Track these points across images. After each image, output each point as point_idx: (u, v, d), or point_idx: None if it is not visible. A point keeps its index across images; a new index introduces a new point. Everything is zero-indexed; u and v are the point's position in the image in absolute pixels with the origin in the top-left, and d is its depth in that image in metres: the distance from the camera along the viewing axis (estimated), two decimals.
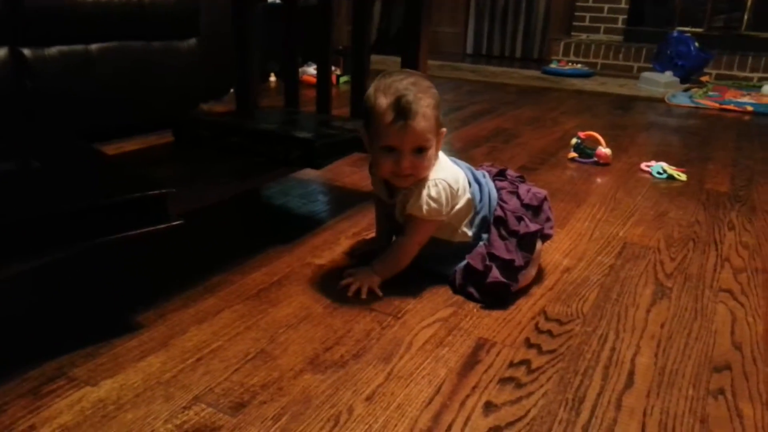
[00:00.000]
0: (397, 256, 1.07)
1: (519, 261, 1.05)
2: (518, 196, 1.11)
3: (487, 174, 1.15)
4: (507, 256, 1.04)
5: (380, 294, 1.03)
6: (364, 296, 1.03)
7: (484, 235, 1.09)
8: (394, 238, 1.13)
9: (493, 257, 1.05)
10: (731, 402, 0.81)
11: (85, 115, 1.75)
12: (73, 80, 1.68)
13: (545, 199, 1.14)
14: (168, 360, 0.85)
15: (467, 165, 1.14)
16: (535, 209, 1.12)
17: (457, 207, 1.06)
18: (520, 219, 1.08)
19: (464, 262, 1.07)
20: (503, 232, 1.07)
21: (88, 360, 0.84)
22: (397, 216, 1.10)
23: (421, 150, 0.99)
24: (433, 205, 1.02)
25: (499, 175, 1.17)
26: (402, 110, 0.96)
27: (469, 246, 1.09)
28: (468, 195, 1.07)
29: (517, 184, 1.15)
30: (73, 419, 0.72)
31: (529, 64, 4.31)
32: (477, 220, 1.09)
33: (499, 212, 1.09)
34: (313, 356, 0.87)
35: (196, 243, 1.23)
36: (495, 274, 1.03)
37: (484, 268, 1.04)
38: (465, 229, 1.09)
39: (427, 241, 1.08)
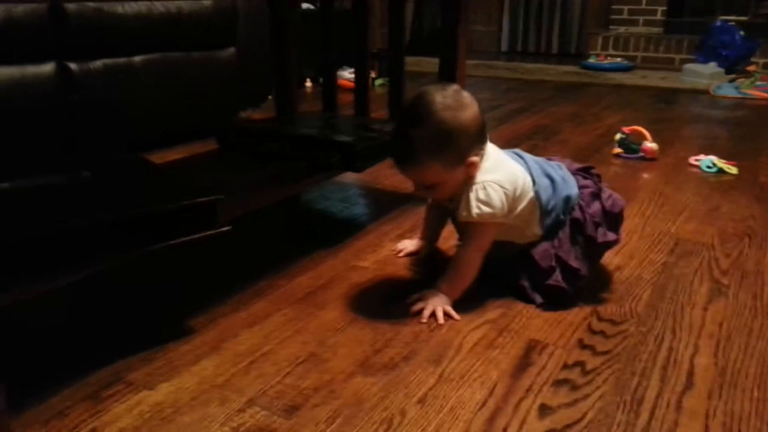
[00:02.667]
0: (462, 270, 1.01)
1: (584, 271, 1.01)
2: (601, 202, 1.04)
3: (564, 167, 1.08)
4: (575, 264, 1.00)
5: (457, 317, 0.97)
6: (441, 321, 0.96)
7: (560, 233, 1.03)
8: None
9: (559, 260, 1.01)
10: None
11: (130, 126, 1.79)
12: (118, 92, 1.73)
13: (624, 207, 1.07)
14: (221, 363, 0.86)
15: (536, 158, 1.08)
16: (614, 217, 1.05)
17: (519, 208, 1.01)
18: (597, 225, 1.02)
19: (527, 258, 1.03)
20: (577, 236, 1.02)
21: (144, 364, 0.85)
22: (459, 222, 1.06)
23: (431, 186, 1.00)
24: (485, 208, 0.97)
25: (583, 171, 1.10)
26: (396, 157, 0.99)
27: (535, 243, 1.04)
28: (531, 194, 1.02)
29: (601, 186, 1.08)
30: (132, 423, 0.74)
31: (566, 60, 4.24)
32: (548, 220, 1.03)
33: (577, 213, 1.02)
34: (363, 359, 0.87)
35: (241, 248, 1.25)
36: (557, 278, 1.00)
37: (548, 267, 1.01)
38: (535, 230, 1.03)
39: (492, 246, 1.02)
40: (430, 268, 1.15)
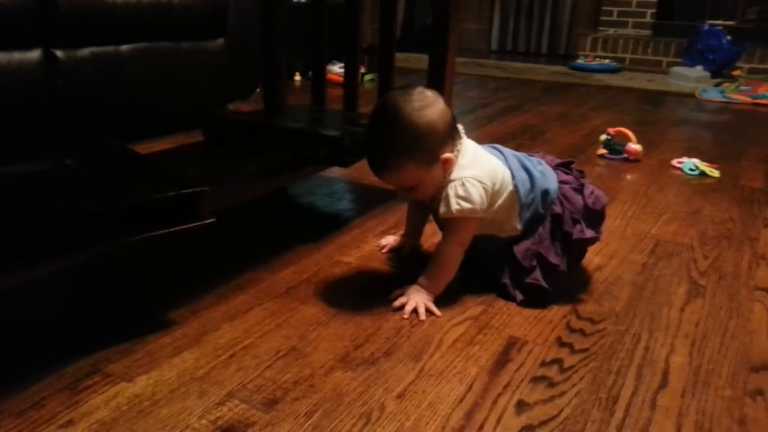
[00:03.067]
0: (443, 266, 1.01)
1: (563, 267, 1.02)
2: (583, 198, 1.05)
3: (543, 162, 1.09)
4: (554, 260, 1.01)
5: (438, 313, 0.98)
6: (422, 317, 0.96)
7: (540, 229, 1.03)
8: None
9: (539, 256, 1.02)
10: None
11: (115, 115, 1.78)
12: (105, 80, 1.71)
13: (606, 204, 1.07)
14: (201, 356, 0.86)
15: (514, 152, 1.08)
16: (596, 214, 1.06)
17: (499, 202, 1.01)
18: (576, 221, 1.03)
19: (508, 254, 1.03)
20: (557, 232, 1.02)
21: (122, 356, 0.85)
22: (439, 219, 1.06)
23: (409, 188, 1.01)
24: (464, 204, 0.98)
25: (563, 166, 1.10)
26: (370, 163, 1.01)
27: (517, 238, 1.05)
28: (510, 188, 1.02)
29: (581, 182, 1.08)
30: (109, 414, 0.74)
31: (555, 60, 4.26)
32: (527, 214, 1.04)
33: (558, 209, 1.03)
34: (344, 354, 0.87)
35: (225, 241, 1.24)
36: (537, 276, 1.01)
37: (528, 266, 1.02)
38: (515, 224, 1.04)
39: (473, 241, 1.02)
40: (412, 264, 1.15)
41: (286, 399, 0.78)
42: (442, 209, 0.99)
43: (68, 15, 1.60)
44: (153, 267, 1.15)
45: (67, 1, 1.59)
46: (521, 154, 1.09)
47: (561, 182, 1.06)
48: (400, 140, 0.96)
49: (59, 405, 0.75)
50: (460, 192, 0.98)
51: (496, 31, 4.74)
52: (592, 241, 1.06)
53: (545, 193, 1.04)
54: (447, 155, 0.98)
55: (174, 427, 0.72)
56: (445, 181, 1.00)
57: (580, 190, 1.06)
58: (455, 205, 0.98)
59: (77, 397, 0.77)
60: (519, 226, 1.05)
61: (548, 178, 1.06)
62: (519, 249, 1.03)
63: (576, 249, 1.06)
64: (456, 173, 0.99)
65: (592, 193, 1.06)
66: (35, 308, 1.00)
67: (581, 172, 1.13)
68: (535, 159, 1.09)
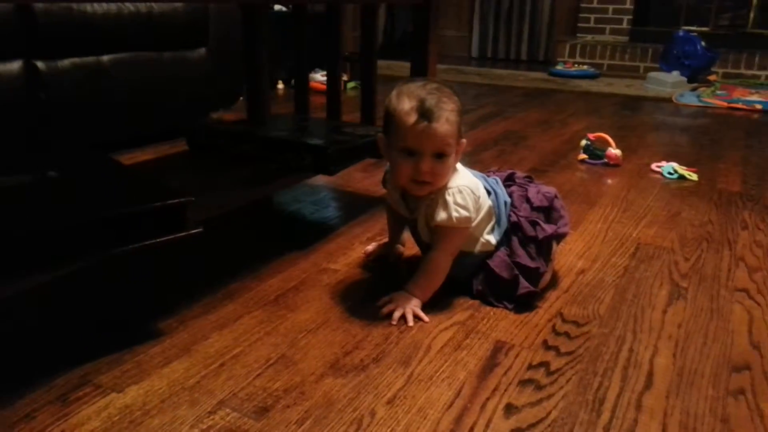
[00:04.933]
0: (432, 273, 1.03)
1: (543, 268, 1.05)
2: (528, 200, 1.10)
3: (499, 180, 1.14)
4: (533, 265, 1.04)
5: (426, 319, 0.99)
6: (411, 323, 0.97)
7: (507, 239, 1.08)
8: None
9: (518, 266, 1.04)
10: (752, 402, 0.82)
11: (98, 125, 1.77)
12: (86, 91, 1.71)
13: (555, 197, 1.13)
14: (191, 366, 0.86)
15: (480, 174, 1.13)
16: (546, 210, 1.11)
17: (480, 216, 1.05)
18: (534, 224, 1.07)
19: (484, 269, 1.06)
20: (522, 238, 1.06)
21: (112, 367, 0.85)
22: (421, 231, 1.07)
23: (441, 155, 0.98)
24: (462, 211, 1.00)
25: (507, 180, 1.16)
26: (426, 112, 0.96)
27: (488, 253, 1.08)
28: (489, 202, 1.07)
29: (526, 186, 1.14)
30: (101, 425, 0.74)
31: (535, 66, 4.32)
32: (497, 228, 1.08)
33: (513, 218, 1.08)
34: (334, 360, 0.88)
35: (212, 250, 1.24)
36: (525, 284, 1.03)
37: (511, 277, 1.03)
38: (488, 238, 1.07)
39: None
40: (399, 270, 1.16)
41: (277, 407, 0.78)
42: (441, 216, 1.01)
43: (48, 26, 1.59)
44: (140, 277, 1.14)
45: (47, 12, 1.58)
46: (483, 175, 1.13)
47: (509, 194, 1.12)
48: (453, 98, 1.01)
49: (50, 417, 0.75)
50: (459, 200, 1.00)
51: (477, 38, 4.79)
52: (558, 236, 1.10)
53: (505, 207, 1.09)
54: (464, 139, 1.04)
55: None
56: (439, 190, 1.01)
57: (524, 195, 1.11)
58: (454, 212, 1.00)
59: (68, 409, 0.76)
60: (493, 241, 1.08)
61: (504, 194, 1.11)
62: (494, 262, 1.06)
63: (544, 247, 1.08)
64: (452, 181, 1.02)
65: (538, 192, 1.12)
66: (22, 320, 0.99)
67: (529, 177, 1.18)
68: (492, 179, 1.13)
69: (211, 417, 0.76)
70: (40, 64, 1.60)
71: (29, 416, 0.75)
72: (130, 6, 1.76)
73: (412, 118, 0.96)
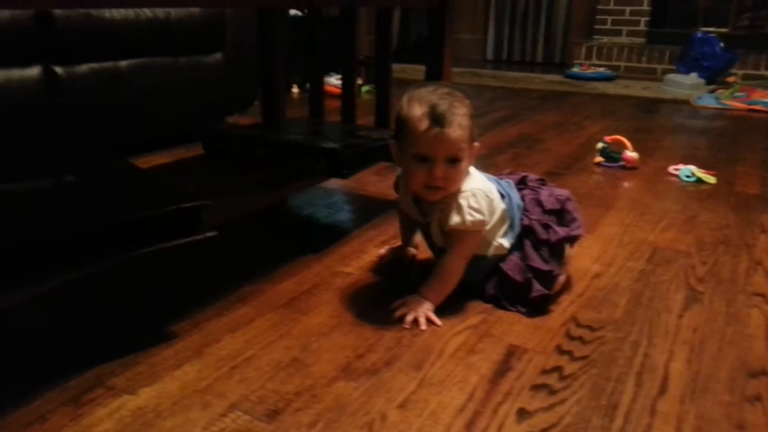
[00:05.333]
0: (446, 277, 1.03)
1: (557, 270, 1.05)
2: (539, 203, 1.10)
3: (512, 183, 1.14)
4: (546, 268, 1.03)
5: (439, 323, 0.98)
6: (423, 327, 0.97)
7: (521, 243, 1.07)
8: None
9: (531, 269, 1.03)
10: None
11: (115, 130, 1.80)
12: (104, 96, 1.73)
13: (567, 199, 1.12)
14: (203, 368, 0.86)
15: (494, 177, 1.12)
16: (558, 213, 1.10)
17: (494, 219, 1.05)
18: (547, 227, 1.06)
19: (497, 273, 1.05)
20: (535, 242, 1.06)
21: (125, 369, 0.86)
22: (434, 235, 1.07)
23: (454, 160, 0.98)
24: (477, 215, 1.00)
25: (520, 183, 1.16)
26: (438, 118, 0.95)
27: (502, 257, 1.07)
28: (503, 206, 1.06)
29: (538, 190, 1.13)
30: (113, 427, 0.74)
31: (550, 69, 4.29)
32: (510, 232, 1.08)
33: (526, 222, 1.08)
34: (346, 364, 0.88)
35: (225, 253, 1.25)
36: (538, 287, 1.02)
37: (524, 280, 1.03)
38: (501, 241, 1.07)
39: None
40: (412, 274, 1.16)
41: (288, 410, 0.78)
42: (455, 220, 1.00)
43: (67, 32, 1.62)
44: (155, 281, 1.15)
45: (65, 18, 1.61)
46: (496, 178, 1.13)
47: (522, 197, 1.11)
48: (465, 103, 1.00)
49: (63, 418, 0.76)
50: (473, 203, 1.00)
51: (492, 41, 4.78)
52: (571, 239, 1.09)
53: (519, 209, 1.09)
54: (477, 143, 1.03)
55: None
56: (454, 194, 1.01)
57: (536, 198, 1.11)
58: (468, 216, 1.00)
59: (81, 410, 0.77)
60: (507, 245, 1.07)
61: (516, 197, 1.11)
62: (507, 266, 1.05)
63: (557, 250, 1.07)
64: (465, 184, 1.02)
65: (550, 195, 1.11)
66: (38, 322, 1.00)
67: (542, 180, 1.18)
68: (505, 182, 1.13)
69: (223, 419, 0.76)
70: (58, 70, 1.62)
71: (42, 417, 0.76)
72: (147, 12, 1.78)
73: (424, 125, 0.96)
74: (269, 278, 1.14)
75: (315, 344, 0.93)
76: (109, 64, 1.74)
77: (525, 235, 1.07)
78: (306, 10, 2.26)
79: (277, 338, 0.94)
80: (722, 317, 1.03)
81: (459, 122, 0.97)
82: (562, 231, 1.07)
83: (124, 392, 0.81)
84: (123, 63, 1.76)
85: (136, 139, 1.92)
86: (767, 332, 0.98)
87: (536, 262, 1.04)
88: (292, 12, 3.15)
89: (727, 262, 1.24)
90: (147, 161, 1.80)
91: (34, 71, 1.58)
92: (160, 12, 1.81)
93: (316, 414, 0.77)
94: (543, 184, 1.16)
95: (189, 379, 0.84)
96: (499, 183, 1.11)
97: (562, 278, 1.08)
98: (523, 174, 1.19)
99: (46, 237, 0.82)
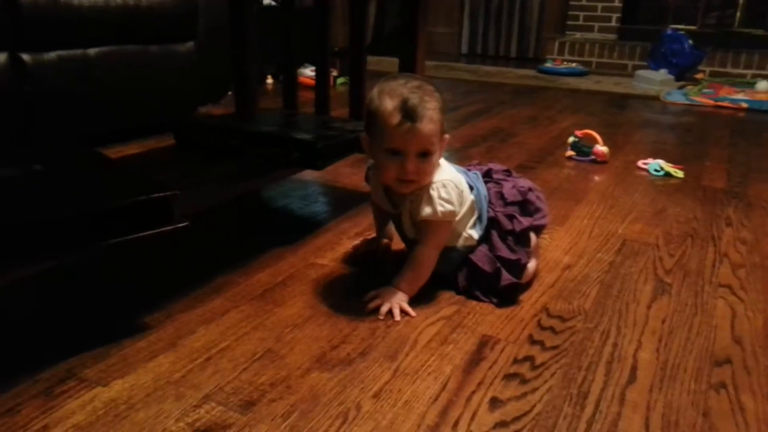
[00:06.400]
0: (418, 268, 1.03)
1: (524, 259, 1.06)
2: (502, 196, 1.12)
3: (479, 175, 1.15)
4: (513, 257, 1.05)
5: (413, 314, 0.99)
6: (397, 318, 0.98)
7: (488, 234, 1.09)
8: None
9: (499, 259, 1.05)
10: (733, 395, 0.83)
11: (84, 119, 1.76)
12: (72, 84, 1.69)
13: (530, 190, 1.14)
14: (177, 360, 0.85)
15: (462, 169, 1.13)
16: (521, 204, 1.12)
17: (463, 210, 1.06)
18: (511, 217, 1.08)
19: (467, 264, 1.07)
20: (501, 232, 1.08)
21: (98, 361, 0.85)
22: (405, 227, 1.08)
23: (425, 154, 0.98)
24: (447, 206, 1.01)
25: (485, 176, 1.17)
26: (409, 112, 0.95)
27: (471, 248, 1.09)
28: (471, 197, 1.08)
29: (501, 182, 1.15)
30: (85, 419, 0.73)
31: (524, 64, 4.33)
32: (479, 223, 1.09)
33: (491, 214, 1.09)
34: (320, 355, 0.88)
35: (199, 245, 1.24)
36: (507, 276, 1.03)
37: (493, 270, 1.04)
38: (470, 232, 1.08)
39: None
40: (386, 265, 1.17)
41: (263, 400, 0.78)
42: (426, 211, 1.01)
43: (34, 18, 1.58)
44: (126, 271, 1.14)
45: (32, 4, 1.57)
46: (464, 170, 1.14)
47: (487, 189, 1.13)
48: (436, 96, 0.99)
49: (34, 410, 0.75)
50: (443, 194, 1.01)
51: (466, 35, 4.79)
52: (535, 228, 1.12)
53: (486, 201, 1.11)
54: (447, 135, 1.03)
55: (151, 430, 0.72)
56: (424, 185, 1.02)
57: (500, 191, 1.12)
58: (439, 207, 1.00)
59: (52, 403, 0.76)
60: (476, 236, 1.08)
61: (482, 188, 1.12)
62: (477, 257, 1.07)
63: (522, 239, 1.09)
64: (436, 176, 1.02)
65: (513, 187, 1.13)
66: (7, 313, 0.99)
67: (508, 170, 1.20)
68: (472, 174, 1.14)
69: (197, 411, 0.76)
70: (25, 57, 1.58)
71: (13, 410, 0.75)
72: None
73: (396, 119, 0.96)
74: (243, 270, 1.13)
75: (289, 335, 0.93)
76: (77, 52, 1.70)
77: (491, 226, 1.09)
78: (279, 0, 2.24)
79: (251, 329, 0.94)
80: (689, 308, 1.05)
81: (430, 116, 0.97)
82: (525, 221, 1.09)
83: (97, 384, 0.80)
84: (92, 51, 1.73)
85: (106, 128, 1.88)
86: (732, 322, 1.01)
87: (503, 251, 1.06)
88: (266, 1, 3.12)
89: (694, 254, 1.27)
90: (118, 152, 1.77)
91: (0, 58, 1.54)
92: None
93: (291, 405, 0.77)
94: (509, 176, 1.18)
95: (162, 371, 0.83)
96: (467, 174, 1.12)
97: (531, 268, 1.10)
98: (489, 166, 1.20)
99: (12, 226, 0.80)
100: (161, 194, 0.91)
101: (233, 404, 0.77)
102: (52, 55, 1.64)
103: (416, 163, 0.98)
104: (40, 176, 1.04)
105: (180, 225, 0.92)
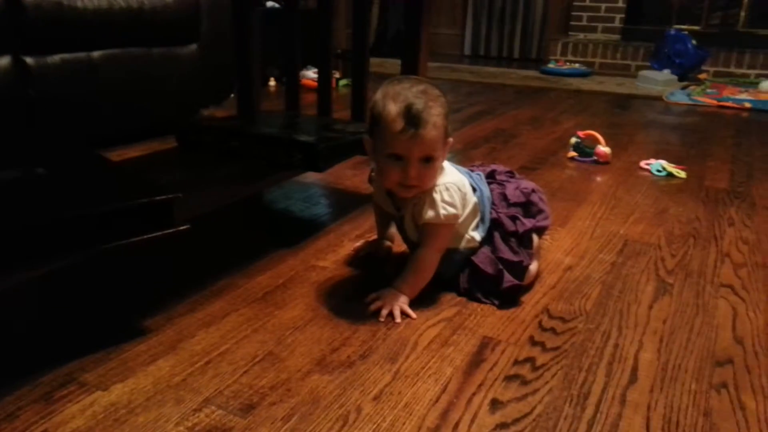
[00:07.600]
0: (420, 270, 1.03)
1: (527, 261, 1.06)
2: (505, 198, 1.11)
3: (482, 176, 1.14)
4: (515, 259, 1.05)
5: (414, 316, 0.99)
6: (398, 320, 0.98)
7: (490, 235, 1.09)
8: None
9: (502, 261, 1.05)
10: (734, 395, 0.82)
11: (87, 122, 1.77)
12: (76, 87, 1.70)
13: (533, 191, 1.14)
14: (177, 363, 0.86)
15: (465, 170, 1.13)
16: (524, 205, 1.11)
17: (466, 212, 1.06)
18: (514, 219, 1.08)
19: (469, 266, 1.07)
20: (504, 234, 1.07)
21: (98, 365, 0.85)
22: (407, 229, 1.08)
23: (428, 160, 0.97)
24: (450, 209, 1.01)
25: (488, 177, 1.16)
26: (413, 118, 0.94)
27: (473, 250, 1.09)
28: (474, 199, 1.07)
29: (504, 184, 1.14)
30: (85, 423, 0.73)
31: (527, 65, 4.33)
32: (481, 225, 1.09)
33: (494, 215, 1.09)
34: (320, 357, 0.88)
35: (200, 247, 1.24)
36: (509, 278, 1.03)
37: (495, 272, 1.04)
38: (473, 234, 1.08)
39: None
40: (387, 267, 1.17)
41: (263, 404, 0.78)
42: (429, 214, 1.01)
43: (38, 21, 1.58)
44: (127, 275, 1.14)
45: (36, 7, 1.57)
46: (468, 171, 1.13)
47: (491, 191, 1.12)
48: (440, 101, 0.98)
49: (34, 415, 0.75)
50: (446, 197, 1.01)
51: (469, 36, 4.79)
52: (538, 229, 1.11)
53: (489, 202, 1.10)
54: (450, 138, 1.02)
55: None
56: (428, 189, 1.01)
57: (503, 192, 1.12)
58: (442, 210, 1.00)
59: (52, 407, 0.76)
60: (478, 238, 1.08)
61: (486, 190, 1.12)
62: (479, 258, 1.06)
63: (523, 241, 1.08)
64: (439, 178, 1.02)
65: (516, 188, 1.13)
66: (7, 317, 0.99)
67: (511, 172, 1.19)
68: (476, 175, 1.13)
69: (197, 414, 0.76)
70: (29, 60, 1.59)
71: (12, 415, 0.75)
72: (120, 1, 1.75)
73: (399, 125, 0.95)
74: (244, 272, 1.13)
75: (290, 338, 0.93)
76: (81, 55, 1.70)
77: (494, 228, 1.09)
78: (283, 2, 2.25)
79: (251, 332, 0.94)
80: (691, 308, 1.05)
81: (434, 122, 0.96)
82: (528, 222, 1.08)
83: (96, 388, 0.80)
84: (95, 54, 1.73)
85: (109, 131, 1.89)
86: (734, 322, 1.01)
87: (506, 253, 1.05)
88: (270, 4, 3.12)
89: (696, 254, 1.27)
90: (120, 154, 1.78)
91: (3, 61, 1.54)
92: (133, 1, 1.78)
93: (291, 407, 0.77)
94: (512, 177, 1.17)
95: (162, 375, 0.83)
96: (470, 176, 1.11)
97: (533, 270, 1.10)
98: (492, 167, 1.20)
99: (15, 230, 0.81)
100: (163, 197, 0.92)
101: (233, 408, 0.77)
102: (55, 58, 1.64)
103: (419, 169, 0.97)
104: (42, 179, 1.04)
105: (181, 228, 0.92)
